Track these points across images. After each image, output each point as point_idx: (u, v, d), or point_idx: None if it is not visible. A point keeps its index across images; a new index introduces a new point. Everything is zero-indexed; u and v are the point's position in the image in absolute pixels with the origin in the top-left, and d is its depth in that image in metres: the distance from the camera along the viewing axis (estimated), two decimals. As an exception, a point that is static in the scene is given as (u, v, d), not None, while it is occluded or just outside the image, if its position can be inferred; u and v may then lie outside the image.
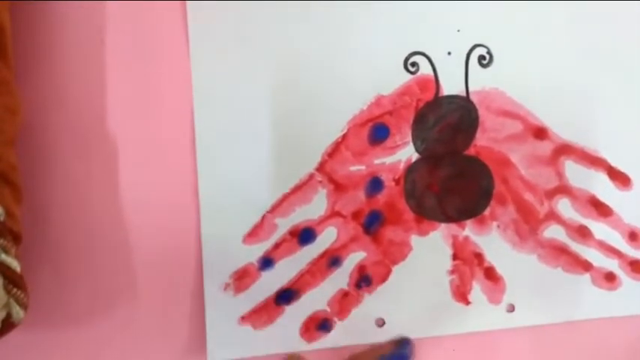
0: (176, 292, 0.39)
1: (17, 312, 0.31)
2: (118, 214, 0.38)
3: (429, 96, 0.41)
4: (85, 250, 0.38)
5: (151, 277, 0.39)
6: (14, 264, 0.31)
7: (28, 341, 0.38)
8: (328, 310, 0.41)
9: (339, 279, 0.41)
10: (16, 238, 0.32)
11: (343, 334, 0.41)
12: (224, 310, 0.39)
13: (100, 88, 0.37)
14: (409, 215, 0.41)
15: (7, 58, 0.33)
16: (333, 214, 0.40)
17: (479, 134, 0.42)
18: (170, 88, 0.38)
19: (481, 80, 0.41)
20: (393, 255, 0.41)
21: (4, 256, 0.30)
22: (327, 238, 0.40)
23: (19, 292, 0.31)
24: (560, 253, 0.44)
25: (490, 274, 0.43)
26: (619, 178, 0.44)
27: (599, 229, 0.44)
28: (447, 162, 0.42)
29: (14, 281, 0.31)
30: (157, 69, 0.38)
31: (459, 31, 0.41)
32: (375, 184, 0.41)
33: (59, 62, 0.37)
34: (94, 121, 0.37)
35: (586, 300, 0.45)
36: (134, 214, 0.38)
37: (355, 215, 0.41)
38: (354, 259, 0.41)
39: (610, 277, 0.45)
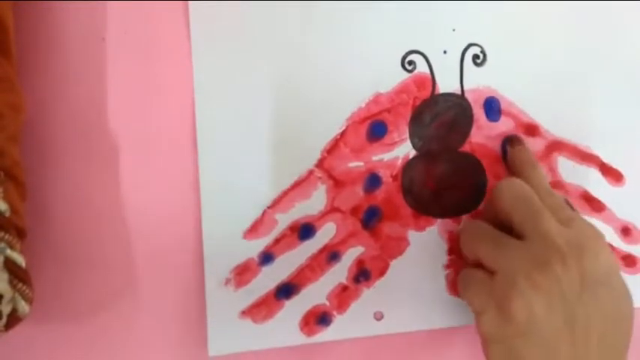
0: (177, 287, 0.40)
1: (22, 307, 0.32)
2: (119, 209, 0.38)
3: (426, 94, 0.41)
4: (87, 245, 0.38)
5: (152, 272, 0.39)
6: (19, 259, 0.31)
7: (32, 335, 0.38)
8: (327, 304, 0.41)
9: (338, 273, 0.41)
10: (21, 234, 0.32)
11: (342, 328, 0.41)
12: (225, 304, 0.40)
13: (101, 86, 0.37)
14: (406, 211, 0.42)
15: (10, 55, 0.33)
16: (332, 209, 0.41)
17: (473, 131, 0.42)
18: (172, 85, 0.38)
19: (475, 78, 0.42)
20: (390, 250, 0.42)
21: (9, 252, 0.31)
22: (326, 233, 0.41)
23: (24, 287, 0.31)
24: (553, 248, 0.45)
25: (485, 269, 0.44)
26: (611, 174, 0.45)
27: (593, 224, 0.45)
28: (442, 159, 0.42)
29: (19, 276, 0.31)
30: (159, 67, 0.38)
31: (454, 30, 0.42)
32: (373, 181, 0.41)
33: (61, 60, 0.37)
34: (96, 118, 0.37)
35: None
36: (135, 210, 0.38)
37: (354, 211, 0.41)
38: (352, 253, 0.41)
39: (602, 271, 0.46)
